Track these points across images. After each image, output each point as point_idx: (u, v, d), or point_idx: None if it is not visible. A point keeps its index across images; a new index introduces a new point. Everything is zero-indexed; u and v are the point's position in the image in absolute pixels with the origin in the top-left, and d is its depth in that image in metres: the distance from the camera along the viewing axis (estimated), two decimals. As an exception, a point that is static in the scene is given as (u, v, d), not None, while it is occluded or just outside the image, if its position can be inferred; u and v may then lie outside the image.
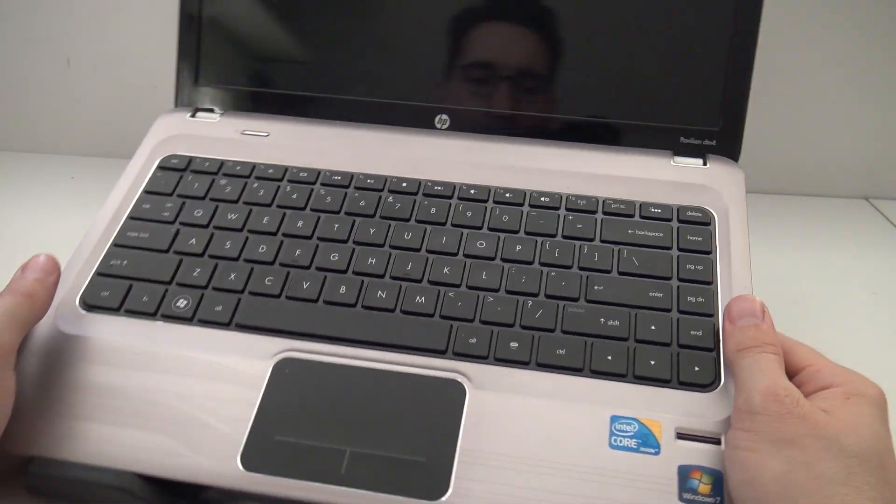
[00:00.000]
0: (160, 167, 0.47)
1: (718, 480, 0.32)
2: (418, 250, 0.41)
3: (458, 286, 0.39)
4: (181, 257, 0.41)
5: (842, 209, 0.64)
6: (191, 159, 0.47)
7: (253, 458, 0.33)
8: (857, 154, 0.64)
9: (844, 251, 0.57)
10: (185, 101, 0.51)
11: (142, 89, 0.68)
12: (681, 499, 0.31)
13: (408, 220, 0.43)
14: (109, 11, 0.65)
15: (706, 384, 0.35)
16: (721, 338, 0.36)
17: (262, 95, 0.50)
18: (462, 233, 0.42)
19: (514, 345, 0.37)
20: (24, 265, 0.37)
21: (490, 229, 0.42)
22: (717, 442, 0.33)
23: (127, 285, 0.40)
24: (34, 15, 0.66)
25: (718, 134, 0.46)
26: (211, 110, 0.50)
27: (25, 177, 0.68)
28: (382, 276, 0.40)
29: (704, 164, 0.45)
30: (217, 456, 0.33)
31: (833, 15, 0.59)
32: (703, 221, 0.42)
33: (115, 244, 0.42)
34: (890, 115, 0.62)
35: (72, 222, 0.61)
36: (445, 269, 0.40)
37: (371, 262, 0.40)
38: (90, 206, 0.63)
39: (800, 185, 0.65)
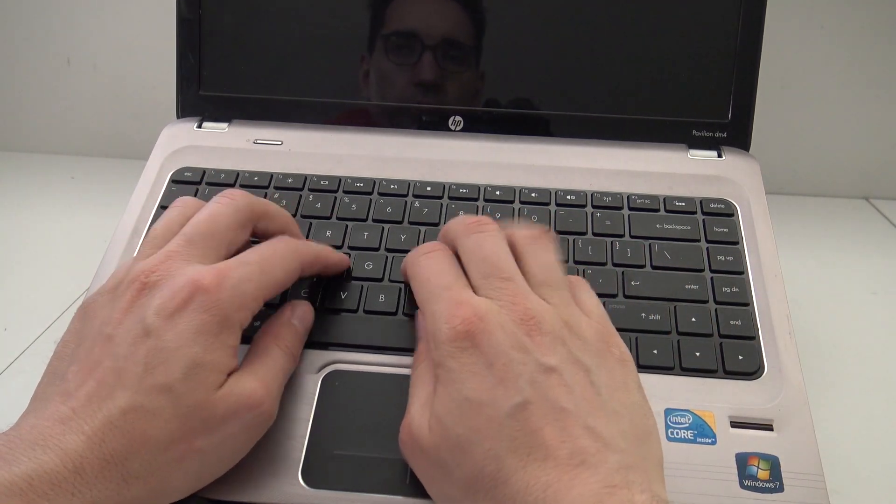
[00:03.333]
0: (173, 181, 0.46)
1: (776, 466, 0.33)
2: (452, 254, 0.41)
3: (497, 288, 0.39)
4: (210, 273, 0.40)
5: (842, 209, 0.64)
6: (204, 171, 0.46)
7: (314, 474, 0.33)
8: (857, 154, 0.64)
9: (844, 251, 0.57)
10: (188, 111, 0.50)
11: (142, 89, 0.67)
12: (742, 486, 0.32)
13: (437, 224, 0.43)
14: (109, 11, 0.64)
15: (751, 372, 0.36)
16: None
17: (271, 103, 0.49)
18: (494, 235, 0.42)
19: (560, 344, 0.37)
20: (294, 309, 0.36)
21: (520, 230, 0.42)
22: (770, 428, 0.34)
23: (157, 305, 0.39)
24: (34, 15, 0.65)
25: (729, 125, 0.47)
26: (218, 120, 0.49)
27: (25, 177, 0.67)
28: (419, 283, 0.40)
29: (720, 156, 0.46)
30: (277, 474, 0.33)
31: (833, 15, 0.60)
32: (726, 213, 0.43)
33: (138, 263, 0.41)
34: (890, 115, 0.62)
35: (72, 222, 0.60)
36: (482, 272, 0.40)
37: (407, 269, 0.40)
38: (90, 206, 0.62)
39: (800, 185, 0.66)
